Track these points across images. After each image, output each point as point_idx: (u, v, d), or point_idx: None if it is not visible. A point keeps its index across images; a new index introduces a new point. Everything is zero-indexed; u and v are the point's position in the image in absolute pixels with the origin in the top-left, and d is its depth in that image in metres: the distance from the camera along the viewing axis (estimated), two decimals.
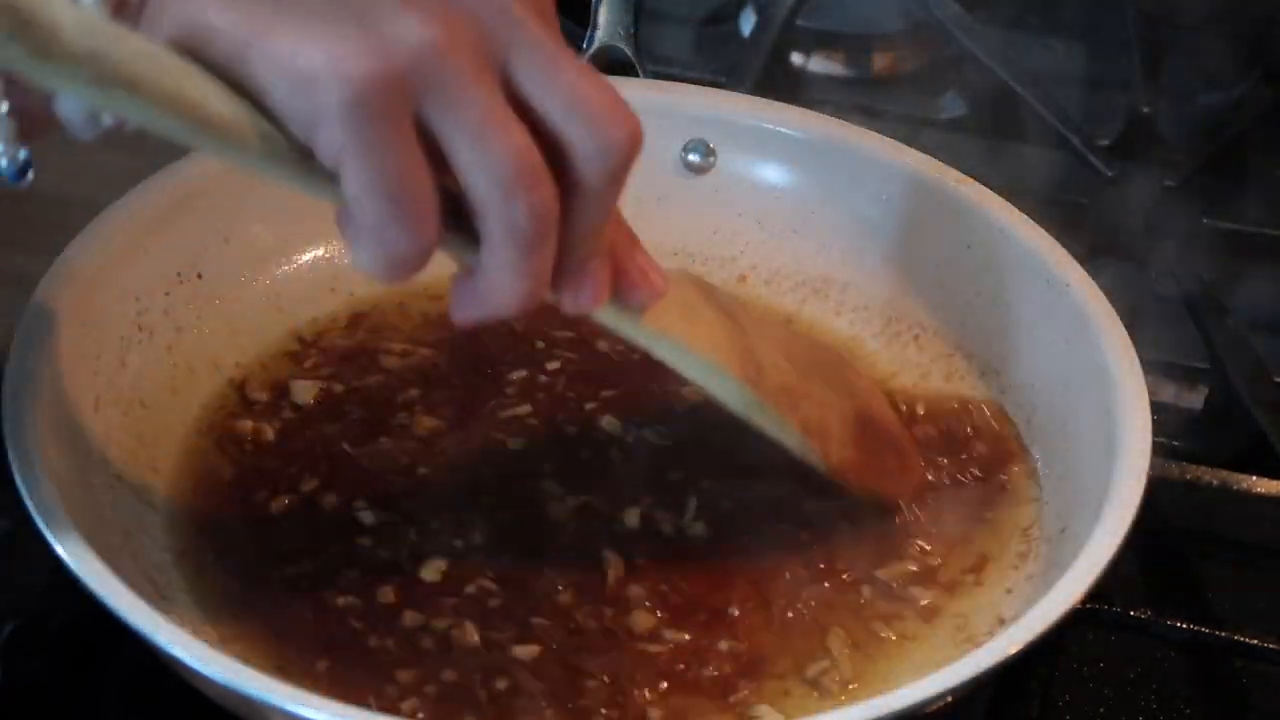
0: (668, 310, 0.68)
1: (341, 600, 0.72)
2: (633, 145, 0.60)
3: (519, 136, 0.58)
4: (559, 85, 0.59)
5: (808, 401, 0.75)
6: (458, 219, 0.60)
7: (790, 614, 0.73)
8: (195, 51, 0.57)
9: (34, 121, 0.60)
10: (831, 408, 0.76)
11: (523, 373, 0.83)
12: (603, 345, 0.84)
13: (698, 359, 0.71)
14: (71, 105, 0.57)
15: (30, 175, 0.62)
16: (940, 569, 0.75)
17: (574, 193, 0.60)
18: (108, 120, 0.57)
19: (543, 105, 0.59)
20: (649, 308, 0.67)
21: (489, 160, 0.58)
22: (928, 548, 0.76)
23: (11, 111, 0.59)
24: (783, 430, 0.74)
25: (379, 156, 0.56)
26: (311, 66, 0.56)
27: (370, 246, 0.58)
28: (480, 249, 0.60)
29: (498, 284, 0.60)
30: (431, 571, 0.74)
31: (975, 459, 0.80)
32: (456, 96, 0.57)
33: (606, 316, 0.67)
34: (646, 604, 0.73)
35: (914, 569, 0.75)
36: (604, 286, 0.64)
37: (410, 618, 0.72)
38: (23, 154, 0.60)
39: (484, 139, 0.57)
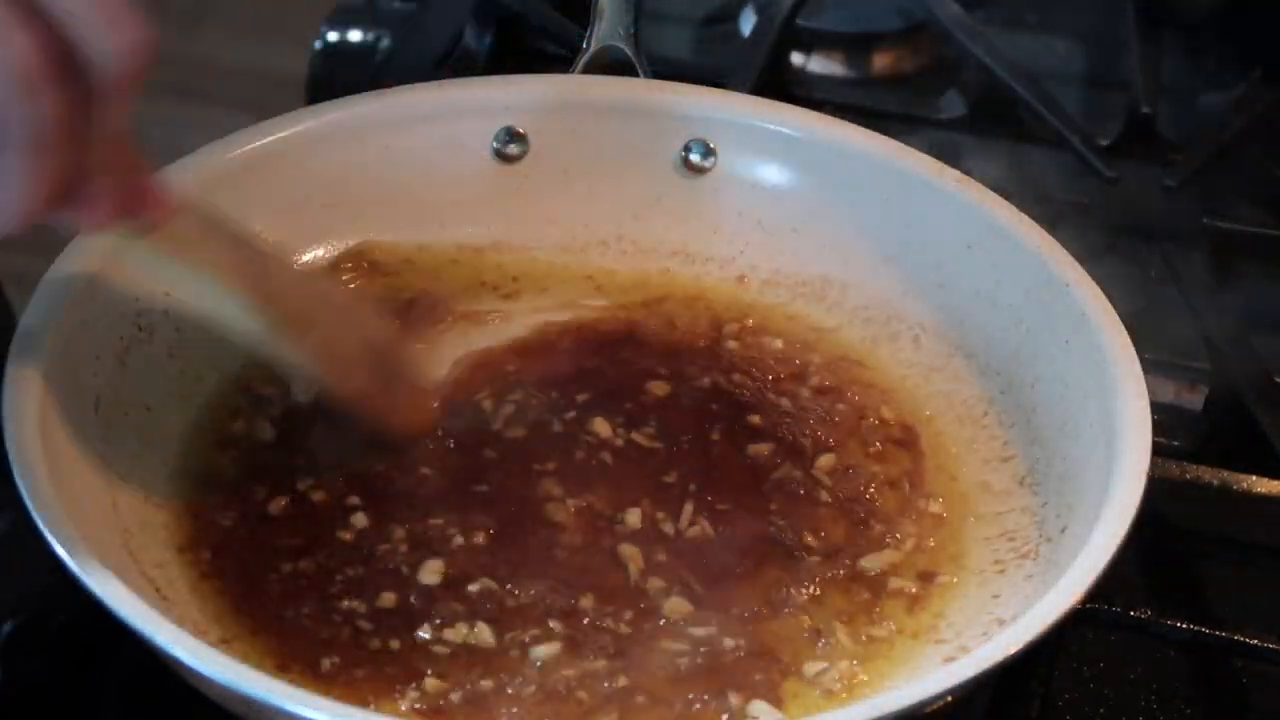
0: (177, 233, 0.71)
1: (343, 601, 0.72)
2: (145, 48, 0.59)
3: (26, 37, 0.57)
4: None
5: (322, 328, 0.78)
6: None
7: (788, 610, 0.73)
8: None
9: None
10: (345, 336, 0.79)
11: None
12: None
13: (203, 280, 0.73)
14: None
15: None
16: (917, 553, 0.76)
17: (83, 103, 0.59)
18: None
19: (58, 8, 0.58)
20: (158, 228, 0.69)
21: (2, 64, 0.57)
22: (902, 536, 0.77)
23: None
24: (298, 353, 0.77)
25: None
26: None
27: None
28: None
29: (9, 192, 0.60)
30: (431, 573, 0.74)
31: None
32: None
33: (116, 233, 0.68)
34: (672, 597, 0.73)
35: (897, 557, 0.76)
36: (114, 203, 0.64)
37: (413, 618, 0.72)
38: None
39: None
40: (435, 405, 0.81)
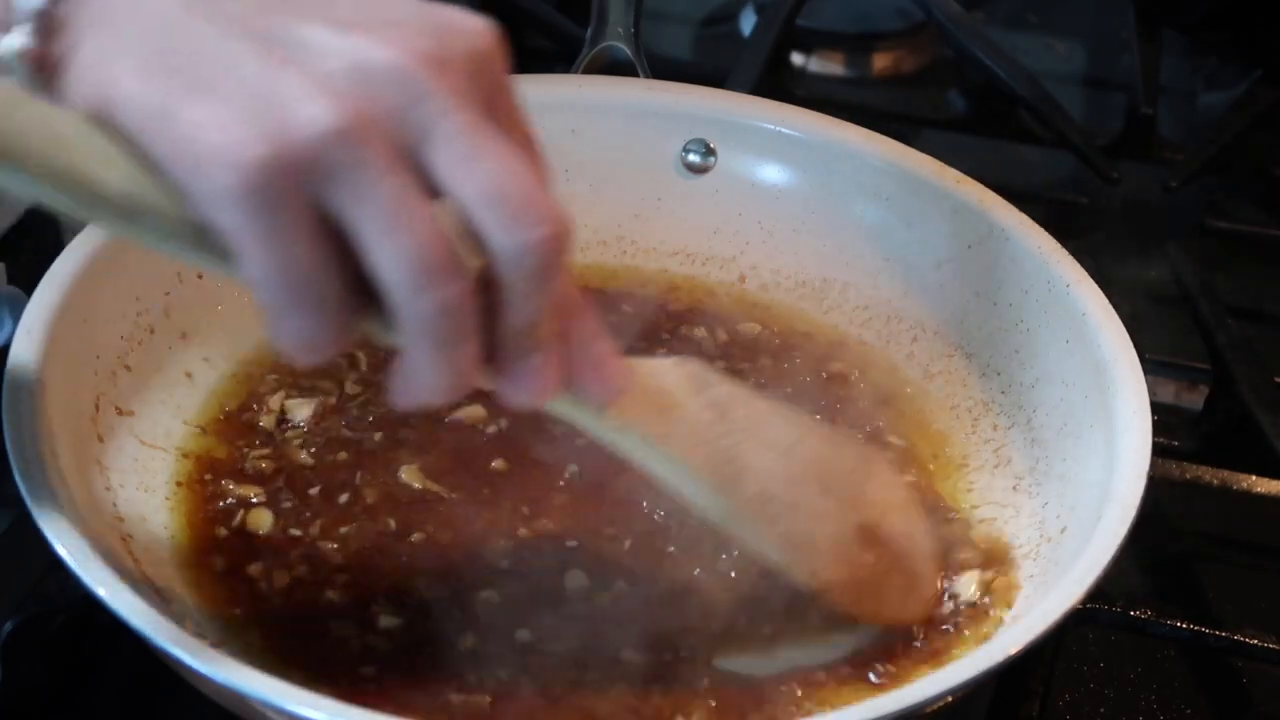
0: (635, 403, 0.64)
1: (342, 600, 0.72)
2: (554, 244, 0.56)
3: (427, 230, 0.55)
4: (475, 176, 0.55)
5: (793, 512, 0.69)
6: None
7: None
8: (106, 121, 0.55)
9: None
10: (825, 520, 0.70)
11: None
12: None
13: (663, 457, 0.66)
14: None
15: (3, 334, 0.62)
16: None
17: (498, 287, 0.57)
18: None
19: (458, 197, 0.56)
20: (608, 403, 0.63)
21: (395, 254, 0.55)
22: None
23: None
24: (759, 541, 0.69)
25: (275, 244, 0.54)
26: (206, 148, 0.53)
27: (278, 329, 0.56)
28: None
29: (419, 374, 0.58)
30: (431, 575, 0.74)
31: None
32: (361, 186, 0.54)
33: (562, 409, 0.63)
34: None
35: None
36: (548, 382, 0.60)
37: (413, 618, 0.72)
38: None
39: (390, 232, 0.54)
40: (935, 586, 0.73)
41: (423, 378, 0.58)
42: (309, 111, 0.53)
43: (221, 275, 0.57)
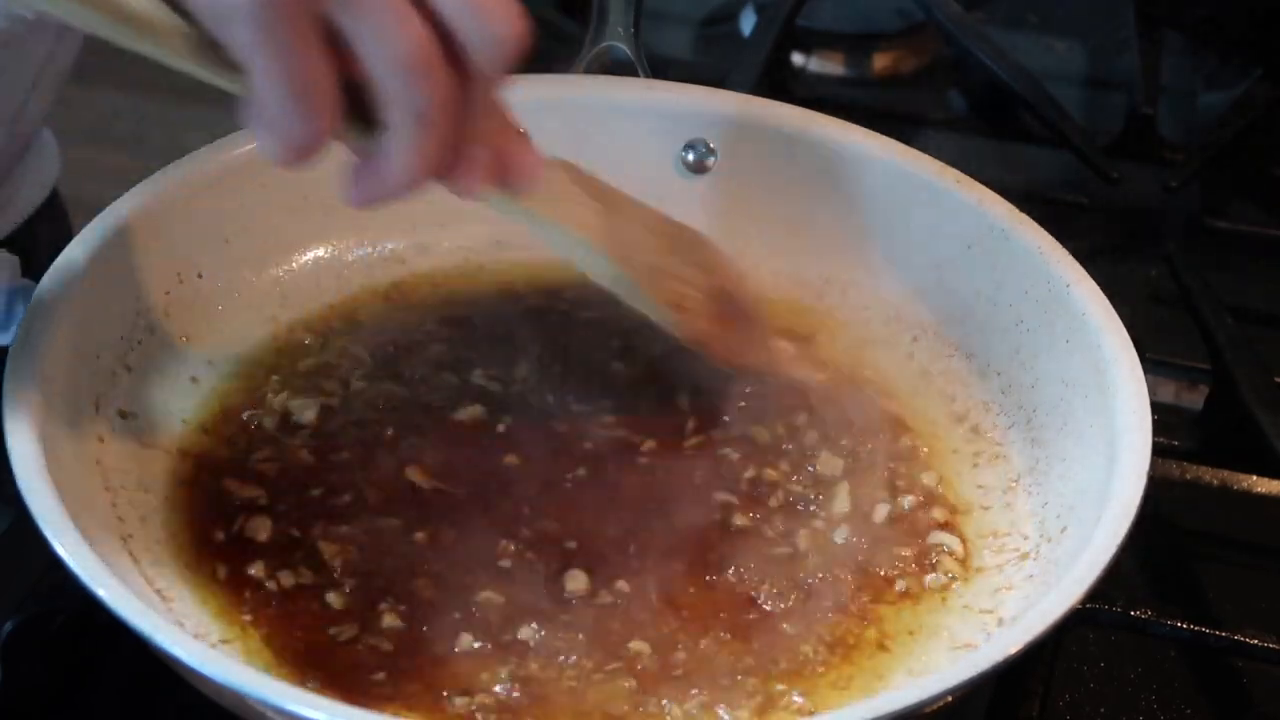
0: (546, 194, 0.74)
1: (343, 600, 0.73)
2: (517, 36, 0.64)
3: (418, 28, 0.63)
4: None
5: (670, 278, 0.80)
6: (355, 110, 0.64)
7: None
8: None
9: None
10: (692, 283, 0.81)
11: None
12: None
13: (572, 238, 0.76)
14: None
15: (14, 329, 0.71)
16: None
17: (463, 84, 0.65)
18: (18, 9, 0.61)
19: (437, 2, 0.63)
20: (529, 192, 0.72)
21: (391, 50, 0.62)
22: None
23: None
24: (646, 303, 0.79)
25: (286, 54, 0.61)
26: None
27: (273, 135, 0.63)
28: (382, 133, 0.65)
29: (398, 165, 0.65)
30: (431, 577, 0.74)
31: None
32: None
33: (491, 198, 0.71)
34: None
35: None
36: (488, 171, 0.68)
37: (412, 618, 0.72)
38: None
39: (385, 30, 0.62)
40: (771, 340, 0.84)
41: (400, 166, 0.65)
42: None
43: (223, 87, 0.64)
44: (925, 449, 0.82)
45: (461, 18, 0.63)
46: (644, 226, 0.81)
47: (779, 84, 1.08)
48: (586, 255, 0.78)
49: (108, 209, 0.80)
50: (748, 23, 1.15)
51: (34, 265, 0.85)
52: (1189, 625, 0.77)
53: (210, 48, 0.63)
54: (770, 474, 0.79)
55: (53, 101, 0.94)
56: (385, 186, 0.66)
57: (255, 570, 0.74)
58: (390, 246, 0.90)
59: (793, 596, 0.74)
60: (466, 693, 0.69)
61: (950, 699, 0.64)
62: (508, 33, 0.64)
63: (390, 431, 0.80)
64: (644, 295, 0.79)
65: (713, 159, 0.92)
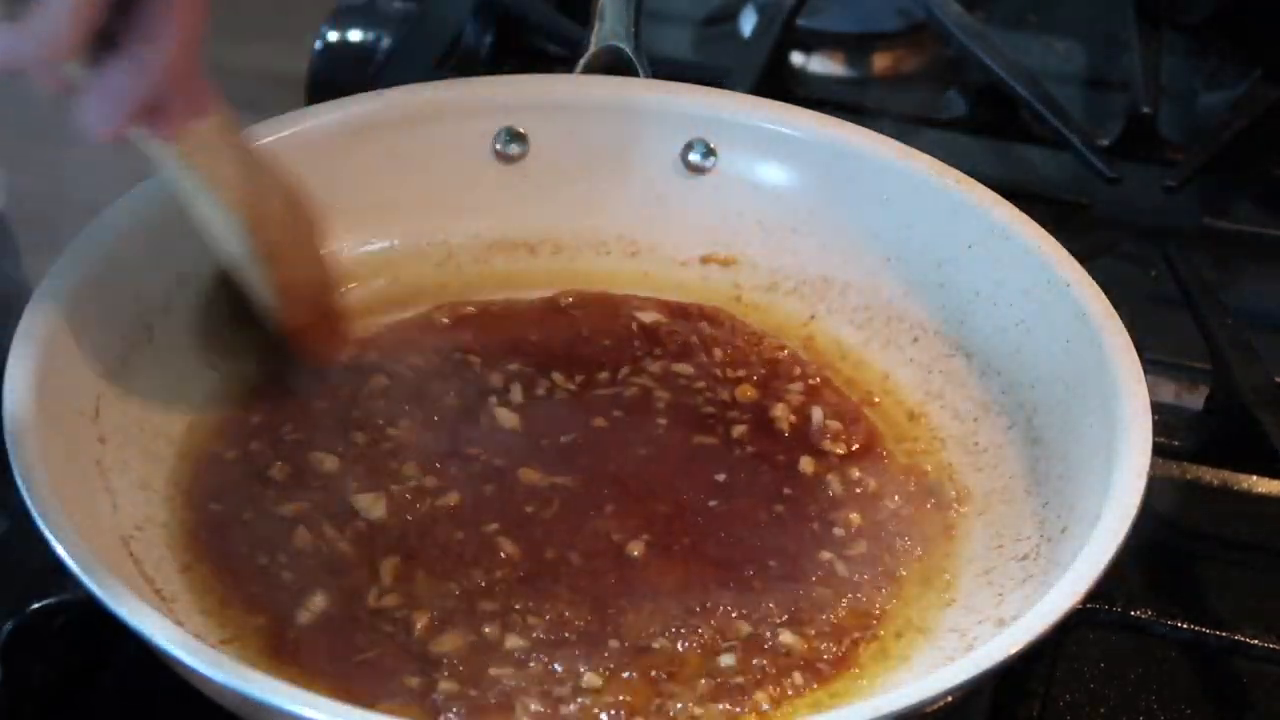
0: (198, 141, 0.71)
1: (343, 600, 0.72)
2: None
3: None
4: None
5: (285, 264, 0.77)
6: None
7: None
8: None
9: None
10: (303, 271, 0.79)
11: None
12: None
13: (211, 195, 0.74)
14: None
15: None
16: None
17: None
18: None
19: None
20: (185, 125, 0.70)
21: None
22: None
23: None
24: (261, 283, 0.77)
25: None
26: None
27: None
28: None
29: (52, 17, 0.64)
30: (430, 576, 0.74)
31: None
32: None
33: (143, 142, 0.71)
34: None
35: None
36: (152, 80, 0.67)
37: (412, 619, 0.72)
38: None
39: None
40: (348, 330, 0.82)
41: (46, 22, 0.64)
42: None
43: None
44: (924, 449, 0.83)
45: None
46: (281, 201, 0.78)
47: (779, 84, 1.08)
48: (224, 223, 0.75)
49: (108, 210, 0.80)
50: (748, 23, 1.15)
51: None
52: (1189, 625, 0.77)
53: None
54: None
55: None
56: (40, 50, 0.65)
57: (255, 570, 0.73)
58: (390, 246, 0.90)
59: (791, 595, 0.74)
60: (463, 688, 0.69)
61: (950, 699, 0.64)
62: None
63: (392, 431, 0.80)
64: (262, 274, 0.76)
65: (713, 159, 0.91)
